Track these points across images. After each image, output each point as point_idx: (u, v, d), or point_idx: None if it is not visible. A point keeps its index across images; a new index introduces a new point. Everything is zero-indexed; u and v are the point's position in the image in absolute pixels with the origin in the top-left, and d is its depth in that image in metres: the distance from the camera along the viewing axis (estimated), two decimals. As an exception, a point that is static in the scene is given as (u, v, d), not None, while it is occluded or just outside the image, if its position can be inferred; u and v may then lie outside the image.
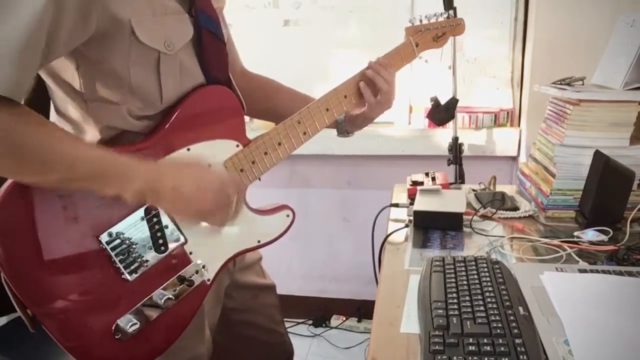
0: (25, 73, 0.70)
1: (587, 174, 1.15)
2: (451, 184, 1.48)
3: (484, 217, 1.23)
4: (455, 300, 0.78)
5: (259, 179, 0.99)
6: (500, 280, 0.84)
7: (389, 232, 1.16)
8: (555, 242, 1.06)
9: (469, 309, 0.75)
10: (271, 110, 1.15)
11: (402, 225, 1.20)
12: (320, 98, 1.03)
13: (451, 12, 1.15)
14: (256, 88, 1.14)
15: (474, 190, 1.40)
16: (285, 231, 1.01)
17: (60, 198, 0.81)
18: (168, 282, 0.88)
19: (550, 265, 0.95)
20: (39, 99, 0.86)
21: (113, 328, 0.84)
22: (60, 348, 0.82)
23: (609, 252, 1.00)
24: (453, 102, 1.81)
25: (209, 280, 0.93)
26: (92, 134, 0.85)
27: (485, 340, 0.68)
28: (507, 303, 0.77)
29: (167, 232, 0.88)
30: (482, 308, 0.75)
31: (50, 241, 0.80)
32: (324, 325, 2.38)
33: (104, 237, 0.83)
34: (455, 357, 0.66)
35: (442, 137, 1.99)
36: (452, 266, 0.89)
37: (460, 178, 1.85)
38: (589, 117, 1.18)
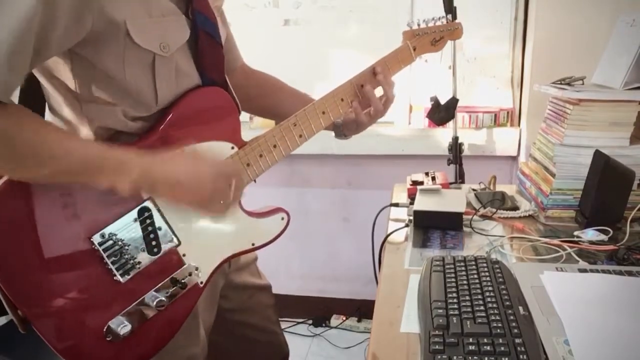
0: (15, 74, 0.70)
1: (587, 173, 1.15)
2: (451, 183, 1.48)
3: (484, 216, 1.23)
4: (455, 300, 0.78)
5: (254, 180, 0.98)
6: (500, 280, 0.84)
7: (389, 231, 1.16)
8: (555, 241, 1.06)
9: (469, 309, 0.75)
10: (270, 108, 1.15)
11: (402, 225, 1.20)
12: (317, 101, 1.03)
13: (449, 16, 1.16)
14: (256, 85, 1.14)
15: (474, 190, 1.40)
16: (280, 234, 1.01)
17: (52, 198, 0.80)
18: (161, 284, 0.88)
19: (550, 265, 0.95)
20: (34, 99, 0.85)
21: (104, 330, 0.83)
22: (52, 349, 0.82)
23: (609, 251, 1.00)
24: (453, 102, 1.81)
25: (202, 282, 0.92)
26: (86, 134, 0.85)
27: (485, 340, 0.68)
28: (507, 303, 0.77)
29: (160, 233, 0.87)
30: (482, 308, 0.75)
31: (42, 241, 0.79)
32: (323, 325, 2.38)
33: (97, 238, 0.82)
34: (455, 357, 0.66)
35: (442, 136, 1.99)
36: (452, 266, 0.89)
37: (460, 178, 1.85)
38: (589, 116, 1.18)
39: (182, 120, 0.88)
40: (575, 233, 1.08)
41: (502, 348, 0.66)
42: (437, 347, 0.68)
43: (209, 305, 1.03)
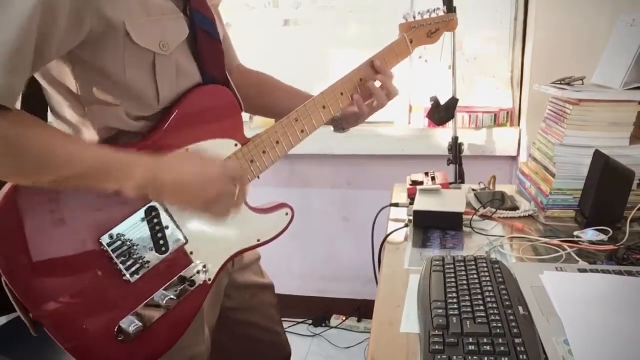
0: (16, 78, 0.69)
1: (587, 173, 1.15)
2: (451, 183, 1.48)
3: (484, 217, 1.23)
4: (455, 300, 0.78)
5: (258, 177, 0.99)
6: (500, 280, 0.84)
7: (389, 232, 1.16)
8: (555, 241, 1.06)
9: (469, 309, 0.75)
10: (269, 107, 1.15)
11: (402, 225, 1.20)
12: (317, 96, 1.03)
13: (444, 8, 1.16)
14: (253, 84, 1.14)
15: (474, 190, 1.40)
16: (285, 229, 1.01)
17: (61, 201, 0.80)
18: (169, 282, 0.88)
19: (550, 265, 0.95)
20: (36, 102, 0.85)
21: (116, 330, 0.84)
22: (62, 349, 0.82)
23: (609, 251, 1.00)
24: (453, 102, 1.81)
25: (210, 280, 0.93)
26: (89, 135, 0.85)
27: (485, 340, 0.68)
28: (507, 303, 0.77)
29: (168, 232, 0.88)
30: (482, 308, 0.75)
31: (51, 244, 0.80)
32: (324, 325, 2.38)
33: (105, 239, 0.83)
34: (455, 357, 0.66)
35: (442, 137, 1.99)
36: (452, 266, 0.89)
37: (460, 178, 1.85)
38: (589, 117, 1.18)
39: (185, 118, 0.88)
40: (575, 233, 1.08)
41: (502, 348, 0.66)
42: (437, 347, 0.68)
43: (213, 304, 1.03)
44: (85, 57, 0.78)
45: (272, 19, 2.12)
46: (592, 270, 0.90)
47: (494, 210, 1.23)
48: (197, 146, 0.89)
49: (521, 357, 0.65)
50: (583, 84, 1.29)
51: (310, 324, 2.39)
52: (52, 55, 0.74)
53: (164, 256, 0.88)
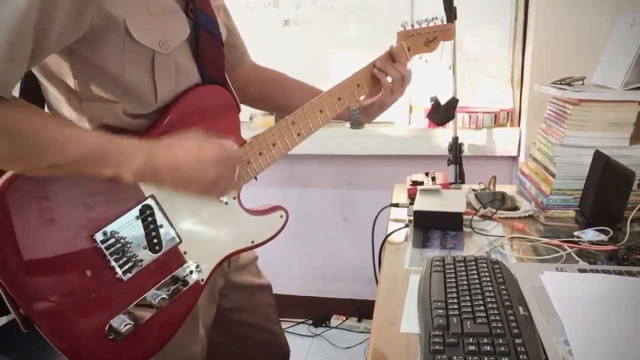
0: (13, 68, 0.70)
1: (587, 173, 1.15)
2: (451, 184, 1.48)
3: (484, 217, 1.23)
4: (455, 300, 0.78)
5: (256, 178, 0.99)
6: (500, 280, 0.84)
7: (389, 232, 1.16)
8: (555, 242, 1.06)
9: (469, 309, 0.75)
10: (288, 105, 1.14)
11: (402, 225, 1.20)
12: (314, 100, 1.03)
13: (443, 17, 1.17)
14: (269, 79, 1.15)
15: (474, 190, 1.40)
16: (279, 232, 1.01)
17: (55, 196, 0.80)
18: (162, 281, 0.88)
19: (550, 265, 0.95)
20: (33, 98, 0.85)
21: (106, 328, 0.83)
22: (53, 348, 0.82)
23: (609, 252, 1.00)
24: (453, 102, 1.81)
25: (202, 280, 0.93)
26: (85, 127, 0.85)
27: (485, 340, 0.68)
28: (507, 303, 0.77)
29: (162, 231, 0.88)
30: (482, 308, 0.75)
31: (44, 240, 0.80)
32: (324, 325, 2.38)
33: (99, 236, 0.83)
34: (455, 357, 0.66)
35: (442, 137, 1.99)
36: (452, 266, 0.89)
37: (460, 178, 1.85)
38: (589, 117, 1.18)
39: (182, 117, 0.88)
40: (575, 233, 1.08)
41: (502, 348, 0.66)
42: (437, 347, 0.68)
43: (208, 304, 1.03)
44: (84, 53, 0.78)
45: (272, 19, 2.12)
46: (592, 271, 0.90)
47: (494, 210, 1.23)
48: (195, 132, 0.89)
49: (521, 357, 0.65)
50: (583, 84, 1.29)
51: (310, 324, 2.39)
52: (50, 48, 0.74)
53: (158, 255, 0.87)
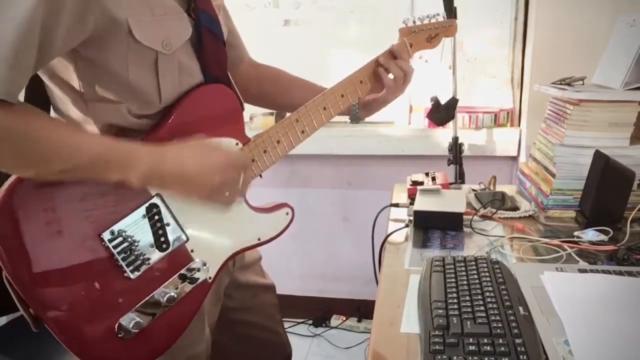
0: (19, 73, 0.70)
1: (587, 174, 1.15)
2: (451, 184, 1.48)
3: (484, 217, 1.23)
4: (455, 300, 0.78)
5: (260, 176, 0.99)
6: (500, 280, 0.84)
7: (389, 232, 1.16)
8: (555, 242, 1.06)
9: (469, 309, 0.75)
10: (287, 102, 1.14)
11: (402, 225, 1.20)
12: (318, 97, 1.03)
13: (444, 13, 1.16)
14: (267, 77, 1.15)
15: (474, 190, 1.40)
16: (285, 229, 1.01)
17: (63, 197, 0.81)
18: (170, 280, 0.88)
19: (550, 265, 0.95)
20: (38, 100, 0.86)
21: (116, 327, 0.84)
22: (62, 347, 0.82)
23: (609, 252, 1.00)
24: (453, 102, 1.81)
25: (210, 278, 0.93)
26: (92, 132, 0.85)
27: (485, 340, 0.68)
28: (507, 303, 0.77)
29: (169, 230, 0.88)
30: (482, 308, 0.75)
31: (52, 241, 0.80)
32: (324, 325, 2.38)
33: (106, 235, 0.83)
34: (455, 357, 0.66)
35: (442, 137, 1.99)
36: (452, 266, 0.89)
37: (460, 178, 1.85)
38: (589, 117, 1.18)
39: (186, 117, 0.88)
40: (576, 233, 1.08)
41: (502, 348, 0.66)
42: (437, 347, 0.68)
43: (213, 303, 1.04)
44: (88, 55, 0.79)
45: (272, 19, 2.12)
46: (592, 271, 0.90)
47: (494, 210, 1.23)
48: (202, 138, 0.89)
49: (521, 357, 0.65)
50: (583, 84, 1.29)
51: (310, 324, 2.39)
52: (55, 51, 0.75)
53: (165, 253, 0.88)
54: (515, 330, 0.70)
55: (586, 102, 1.17)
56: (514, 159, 2.05)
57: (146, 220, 0.86)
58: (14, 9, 0.67)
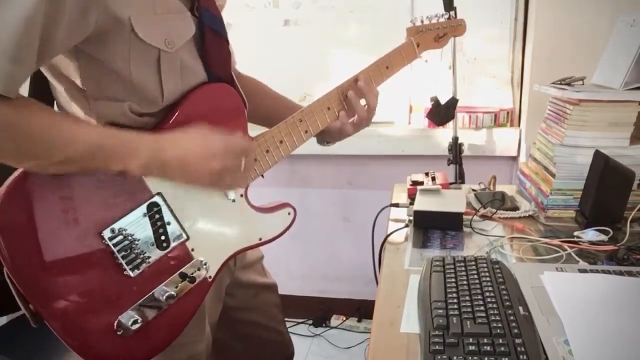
0: (19, 68, 0.70)
1: (587, 174, 1.15)
2: (451, 183, 1.48)
3: (484, 217, 1.23)
4: (455, 300, 0.78)
5: (262, 176, 0.99)
6: (500, 280, 0.84)
7: (389, 232, 1.16)
8: (555, 242, 1.06)
9: (469, 309, 0.75)
10: (253, 112, 1.14)
11: (402, 225, 1.20)
12: (321, 97, 1.03)
13: (452, 12, 1.16)
14: (247, 89, 1.14)
15: (474, 190, 1.40)
16: (287, 229, 1.01)
17: (63, 194, 0.81)
18: (170, 278, 0.88)
19: (550, 265, 0.95)
20: (42, 97, 0.86)
21: (115, 324, 0.84)
22: (62, 347, 0.82)
23: (609, 252, 1.00)
24: (453, 102, 1.81)
25: (210, 277, 0.93)
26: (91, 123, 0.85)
27: (485, 340, 0.68)
28: (507, 303, 0.77)
29: (169, 228, 0.88)
30: (482, 308, 0.75)
31: (53, 237, 0.80)
32: (324, 325, 2.38)
33: (107, 233, 0.83)
34: (455, 357, 0.66)
35: (442, 137, 1.99)
36: (452, 266, 0.89)
37: (460, 178, 1.85)
38: (589, 117, 1.18)
39: (189, 116, 0.88)
40: (575, 233, 1.08)
41: (502, 348, 0.66)
42: (437, 347, 0.68)
43: (214, 302, 1.04)
44: (90, 52, 0.79)
45: (272, 19, 2.12)
46: (592, 271, 0.90)
47: (494, 210, 1.23)
48: (203, 125, 0.89)
49: (521, 357, 0.65)
50: (583, 84, 1.29)
51: (310, 324, 2.39)
52: (57, 48, 0.75)
53: (165, 252, 0.88)
54: (515, 330, 0.70)
55: (586, 102, 1.17)
56: (514, 159, 2.05)
57: (147, 218, 0.86)
58: (16, 5, 0.67)
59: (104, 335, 0.84)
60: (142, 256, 0.86)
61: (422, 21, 1.12)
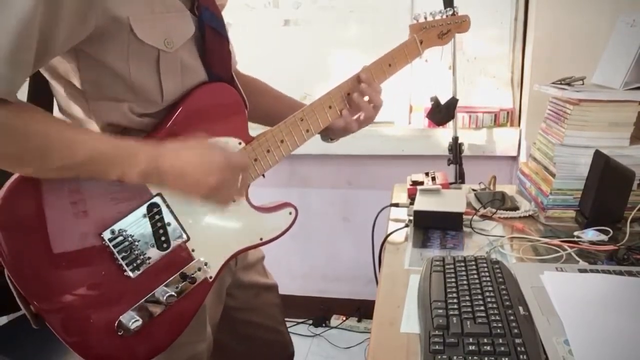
0: (17, 71, 0.70)
1: (587, 174, 1.15)
2: (451, 183, 1.48)
3: (484, 217, 1.23)
4: (455, 300, 0.78)
5: (263, 176, 0.99)
6: (500, 280, 0.84)
7: (389, 232, 1.16)
8: (555, 242, 1.06)
9: (469, 309, 0.75)
10: (255, 111, 1.14)
11: (402, 225, 1.20)
12: (323, 96, 1.03)
13: (456, 8, 1.15)
14: (245, 88, 1.14)
15: (474, 190, 1.40)
16: (288, 228, 1.01)
17: (62, 195, 0.81)
18: (170, 279, 0.88)
19: (550, 265, 0.95)
20: (42, 98, 0.86)
21: (116, 325, 0.84)
22: (62, 345, 0.82)
23: (609, 252, 1.00)
24: (453, 102, 1.81)
25: (211, 277, 0.93)
26: (91, 130, 0.85)
27: (485, 340, 0.68)
28: (507, 303, 0.77)
29: (169, 229, 0.88)
30: (482, 308, 0.75)
31: (53, 238, 0.80)
32: (324, 325, 2.38)
33: (107, 234, 0.83)
34: (455, 357, 0.66)
35: (442, 137, 1.99)
36: (452, 266, 0.89)
37: (460, 178, 1.85)
38: (589, 117, 1.18)
39: (189, 116, 0.88)
40: (576, 233, 1.08)
41: (502, 348, 0.66)
42: (437, 347, 0.68)
43: (215, 302, 1.04)
44: (89, 53, 0.79)
45: (272, 19, 2.12)
46: (592, 270, 0.90)
47: (494, 210, 1.23)
48: (202, 137, 0.89)
49: (521, 357, 0.65)
50: (583, 84, 1.29)
51: (310, 324, 2.39)
52: (55, 50, 0.74)
53: (165, 252, 0.88)
54: (515, 330, 0.70)
55: (586, 102, 1.17)
56: (514, 159, 2.05)
57: (147, 219, 0.86)
58: (14, 8, 0.67)
59: (104, 336, 0.84)
60: (142, 257, 0.86)
61: (425, 18, 1.11)
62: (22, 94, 0.76)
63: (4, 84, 0.69)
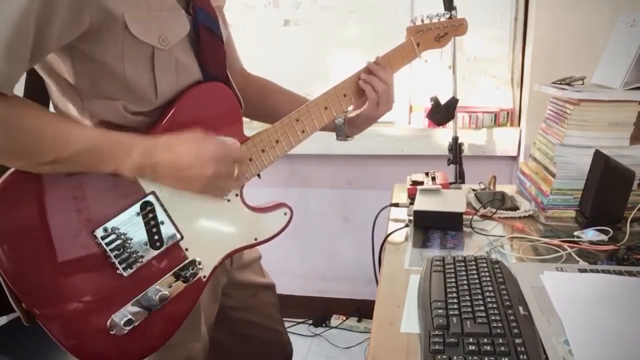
0: (13, 66, 0.70)
1: (587, 173, 1.15)
2: (451, 183, 1.48)
3: (484, 216, 1.23)
4: (455, 300, 0.78)
5: (259, 176, 0.99)
6: (500, 280, 0.84)
7: (389, 232, 1.16)
8: (555, 241, 1.06)
9: (469, 309, 0.75)
10: (270, 112, 1.14)
11: (402, 225, 1.20)
12: (319, 96, 1.03)
13: (454, 12, 1.15)
14: (253, 89, 1.14)
15: (474, 190, 1.40)
16: (283, 229, 1.01)
17: (55, 193, 0.81)
18: (163, 278, 0.88)
19: (550, 265, 0.95)
20: (38, 96, 0.86)
21: (108, 324, 0.84)
22: (61, 348, 0.82)
23: (609, 251, 1.00)
24: (453, 102, 1.81)
25: (204, 277, 0.93)
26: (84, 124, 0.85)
27: (485, 340, 0.68)
28: (507, 303, 0.77)
29: (163, 228, 0.88)
30: (482, 308, 0.75)
31: (45, 236, 0.80)
32: (324, 325, 2.38)
33: (99, 233, 0.83)
34: (455, 357, 0.66)
35: (442, 137, 1.99)
36: (452, 266, 0.89)
37: (460, 178, 1.85)
38: (589, 117, 1.18)
39: (183, 115, 0.88)
40: (576, 233, 1.08)
41: (502, 348, 0.66)
42: (437, 347, 0.68)
43: (210, 302, 1.03)
44: (84, 50, 0.79)
45: (272, 19, 2.12)
46: (592, 270, 0.90)
47: (494, 210, 1.23)
48: (196, 131, 0.89)
49: (521, 357, 0.65)
50: (583, 84, 1.29)
51: (310, 324, 2.39)
52: (51, 46, 0.75)
53: (158, 251, 0.87)
54: (515, 330, 0.70)
55: (586, 102, 1.17)
56: (514, 158, 2.05)
57: (140, 218, 0.86)
58: (9, 3, 0.67)
59: (97, 335, 0.83)
60: (135, 255, 0.85)
61: (422, 20, 1.12)
62: (19, 93, 0.76)
63: (0, 77, 0.69)
